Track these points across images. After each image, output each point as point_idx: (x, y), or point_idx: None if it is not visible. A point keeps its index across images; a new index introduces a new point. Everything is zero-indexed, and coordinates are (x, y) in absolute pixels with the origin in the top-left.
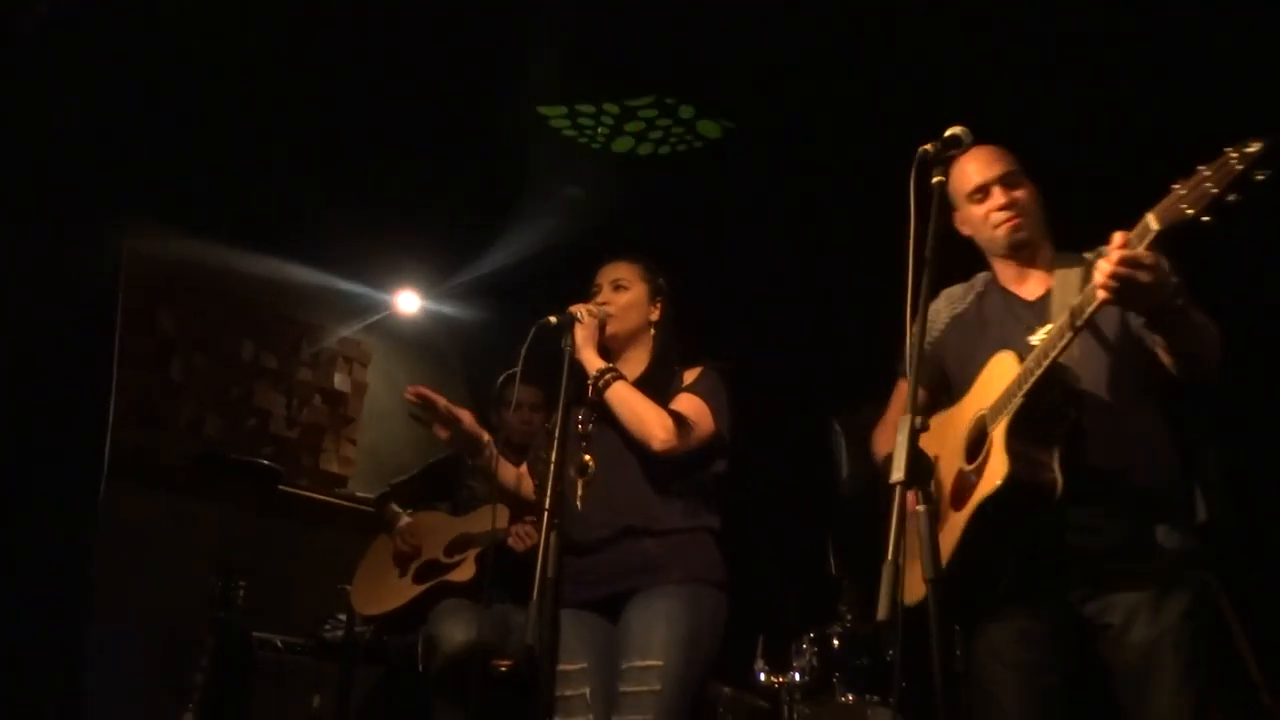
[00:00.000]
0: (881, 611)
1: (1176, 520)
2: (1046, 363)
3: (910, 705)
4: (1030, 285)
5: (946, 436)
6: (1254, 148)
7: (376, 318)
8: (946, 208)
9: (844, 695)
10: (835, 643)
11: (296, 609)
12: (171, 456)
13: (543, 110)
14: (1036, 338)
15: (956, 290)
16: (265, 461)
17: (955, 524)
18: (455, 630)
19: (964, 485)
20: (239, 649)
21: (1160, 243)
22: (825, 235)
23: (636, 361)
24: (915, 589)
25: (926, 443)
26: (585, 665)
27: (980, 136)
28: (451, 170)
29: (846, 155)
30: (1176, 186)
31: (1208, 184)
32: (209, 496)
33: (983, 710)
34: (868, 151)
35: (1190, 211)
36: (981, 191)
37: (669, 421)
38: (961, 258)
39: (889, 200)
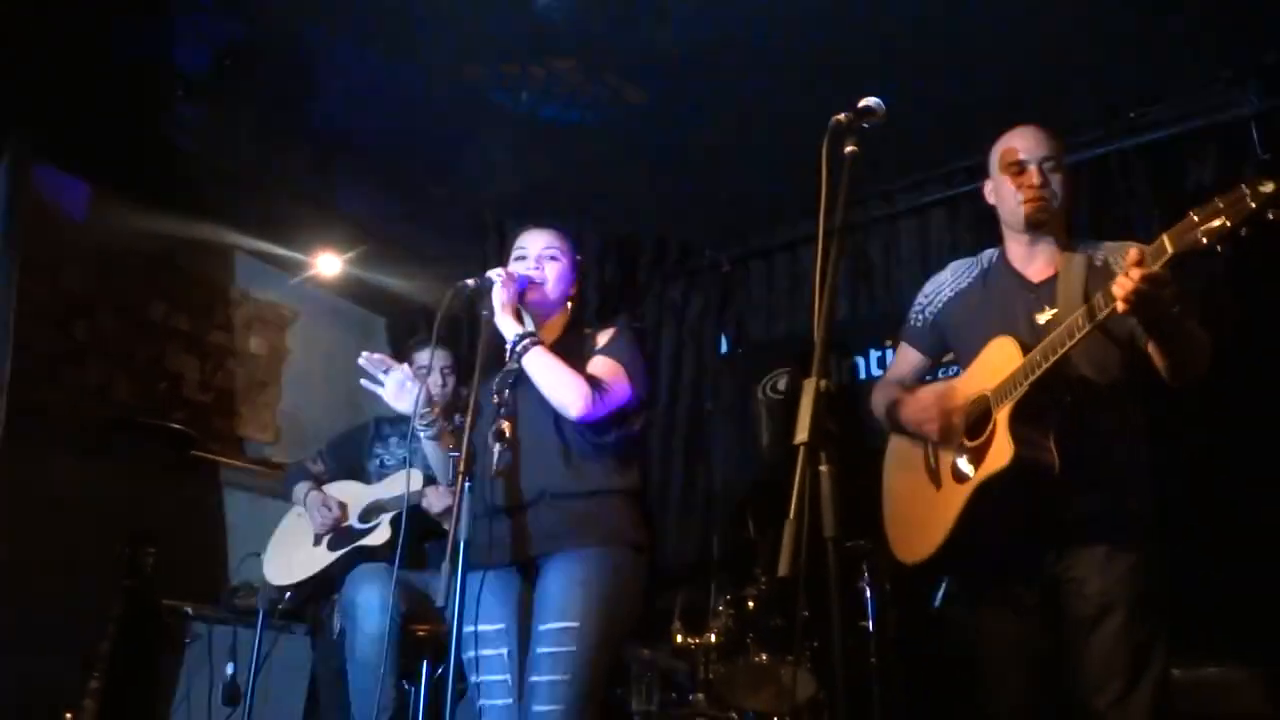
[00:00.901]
0: (783, 568)
1: (1138, 495)
2: (1055, 358)
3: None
4: (1037, 266)
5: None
6: (1268, 188)
7: (296, 280)
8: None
9: (758, 655)
10: (750, 604)
11: (208, 576)
12: (79, 419)
13: (467, 69)
14: (1044, 318)
15: (963, 264)
16: (177, 426)
17: (958, 496)
18: (371, 608)
19: (967, 461)
20: (147, 617)
21: (1172, 263)
22: (750, 202)
23: (552, 329)
24: (917, 549)
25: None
26: (503, 626)
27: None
28: (372, 129)
29: (771, 123)
30: (1193, 214)
31: (1222, 218)
32: (118, 460)
33: (987, 677)
34: (792, 118)
35: (1204, 241)
36: (1019, 166)
37: (585, 388)
38: None
39: (812, 167)
